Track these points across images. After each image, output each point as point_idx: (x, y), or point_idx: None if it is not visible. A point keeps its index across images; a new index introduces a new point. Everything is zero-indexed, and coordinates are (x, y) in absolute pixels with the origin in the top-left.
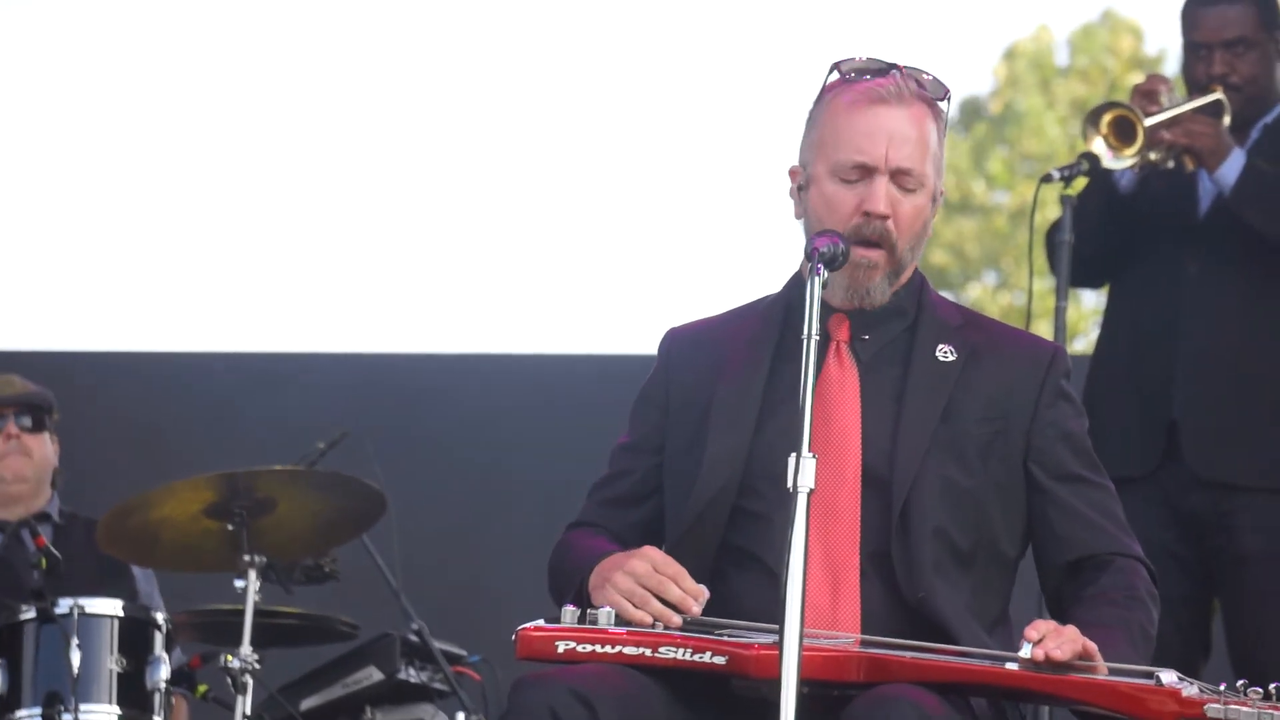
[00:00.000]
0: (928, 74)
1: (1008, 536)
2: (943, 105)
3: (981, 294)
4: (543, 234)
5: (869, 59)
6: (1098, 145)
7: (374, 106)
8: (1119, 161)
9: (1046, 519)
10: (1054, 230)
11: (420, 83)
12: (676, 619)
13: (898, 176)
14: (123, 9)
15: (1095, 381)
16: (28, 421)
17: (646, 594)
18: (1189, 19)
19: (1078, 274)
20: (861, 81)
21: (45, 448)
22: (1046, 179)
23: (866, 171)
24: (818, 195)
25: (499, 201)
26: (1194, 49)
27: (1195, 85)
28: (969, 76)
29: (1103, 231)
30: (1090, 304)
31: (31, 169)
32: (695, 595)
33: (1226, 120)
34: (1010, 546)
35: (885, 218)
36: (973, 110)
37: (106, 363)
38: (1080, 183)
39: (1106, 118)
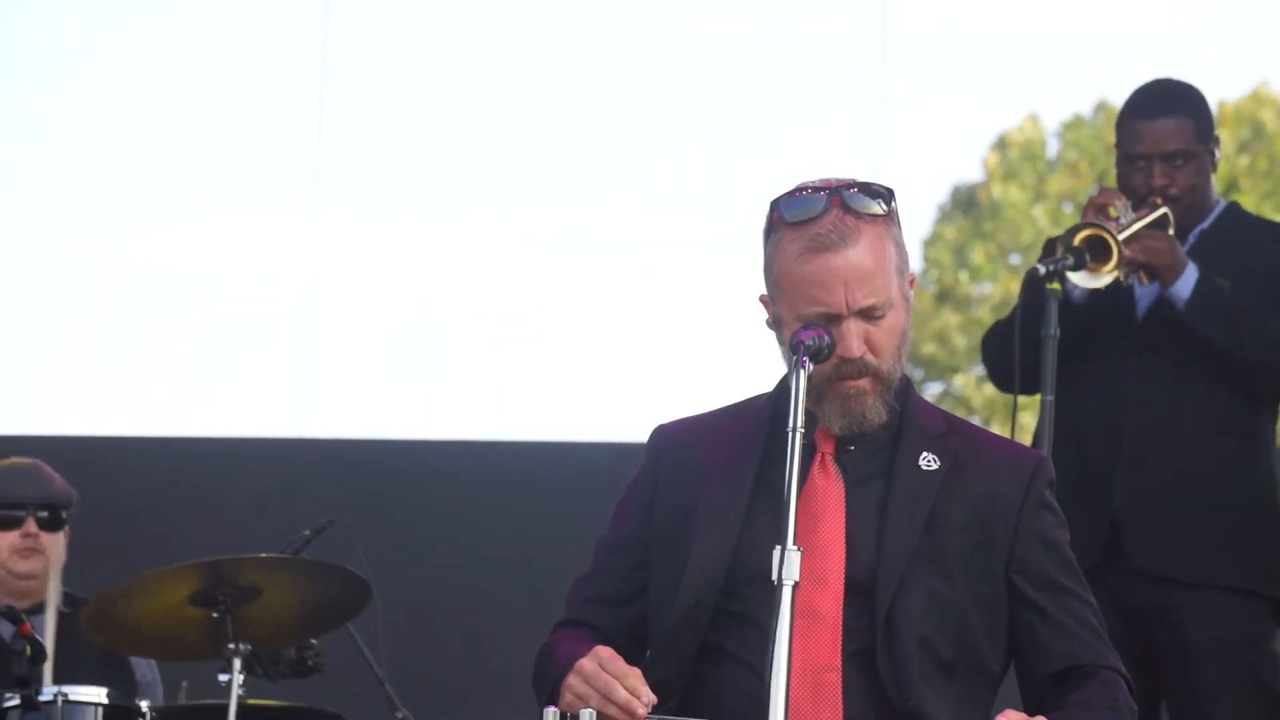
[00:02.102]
0: (865, 188)
1: (991, 650)
2: (893, 208)
3: (967, 384)
4: (528, 321)
5: (803, 193)
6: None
7: (360, 182)
8: (1097, 281)
9: (1030, 629)
10: (1024, 326)
11: (412, 166)
12: (641, 710)
13: (863, 313)
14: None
15: None
16: (46, 518)
17: (599, 698)
18: (1127, 131)
19: (1023, 381)
20: (804, 226)
21: (59, 545)
22: (1033, 274)
23: (831, 318)
24: (790, 337)
25: (484, 288)
26: (1132, 160)
27: (1133, 195)
28: (961, 163)
29: (1032, 328)
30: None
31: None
32: (639, 697)
33: (1170, 232)
34: (994, 660)
35: (860, 358)
36: (966, 198)
37: (92, 446)
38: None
39: (1079, 237)
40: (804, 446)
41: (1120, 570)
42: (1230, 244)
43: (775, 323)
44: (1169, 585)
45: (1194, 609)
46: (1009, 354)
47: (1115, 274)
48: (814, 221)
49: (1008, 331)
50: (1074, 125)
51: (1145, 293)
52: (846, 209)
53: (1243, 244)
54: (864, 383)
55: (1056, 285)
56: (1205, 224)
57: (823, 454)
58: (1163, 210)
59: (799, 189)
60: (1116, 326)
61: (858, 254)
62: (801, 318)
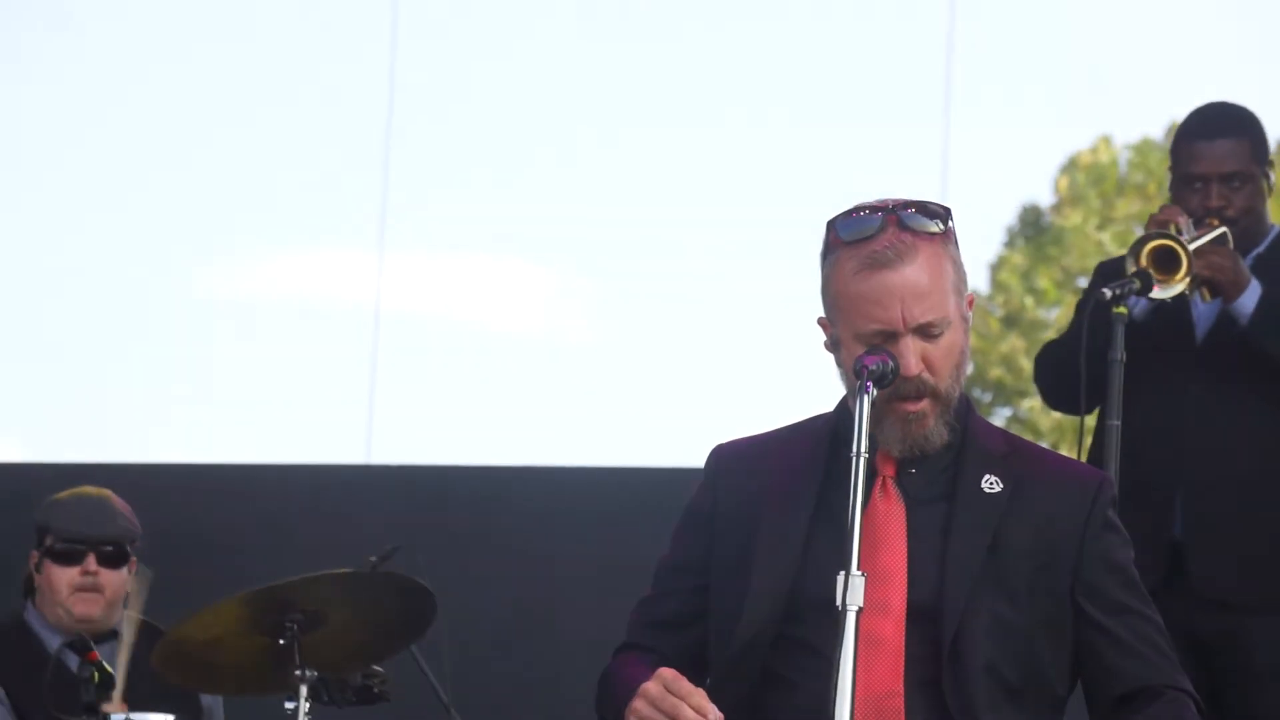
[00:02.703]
0: (921, 207)
1: (1056, 674)
2: (950, 227)
3: (1034, 408)
4: (591, 347)
5: (860, 213)
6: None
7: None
8: (1167, 290)
9: (1096, 652)
10: (1089, 350)
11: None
12: None
13: (921, 330)
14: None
15: None
16: (109, 553)
17: (663, 719)
18: (1184, 152)
19: (1073, 401)
20: (861, 244)
21: (120, 580)
22: (1099, 298)
23: (888, 336)
24: (849, 359)
25: (546, 315)
26: (1189, 181)
27: (1190, 217)
28: (1030, 185)
29: (1098, 353)
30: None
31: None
32: (705, 714)
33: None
34: (1060, 685)
35: (919, 375)
36: (1033, 221)
37: (162, 474)
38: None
39: (1147, 249)
40: (866, 464)
41: (1182, 595)
42: None
43: (833, 344)
44: (1233, 611)
45: (1260, 634)
46: (1065, 373)
47: (1186, 282)
48: (870, 240)
49: (1063, 350)
50: (1142, 148)
51: (1204, 315)
52: (903, 227)
53: None
54: (924, 405)
55: (1124, 309)
56: (1261, 248)
57: (884, 477)
58: (1222, 229)
59: (856, 209)
60: (1176, 348)
61: (914, 271)
62: (859, 336)
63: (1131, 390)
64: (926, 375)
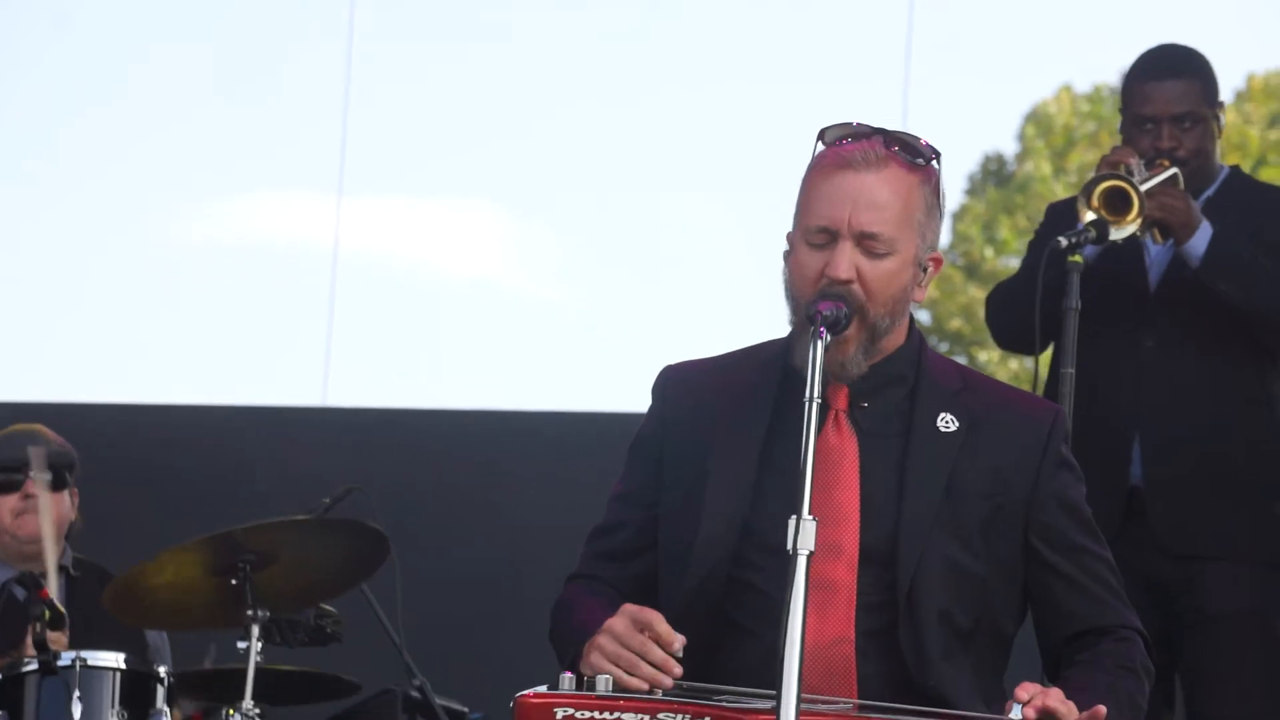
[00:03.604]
0: (914, 138)
1: (1007, 614)
2: (933, 167)
3: (992, 358)
4: (548, 293)
5: (854, 124)
6: (1089, 217)
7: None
8: (1121, 231)
9: (1049, 592)
10: (1045, 299)
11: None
12: (667, 681)
13: (864, 241)
14: None
15: None
16: (48, 479)
17: (634, 658)
18: (1135, 93)
19: (1023, 341)
20: (839, 147)
21: (63, 505)
22: (1055, 245)
23: (830, 236)
24: (793, 261)
25: (502, 261)
26: (1139, 122)
27: (1141, 158)
28: (992, 135)
29: (1049, 301)
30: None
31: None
32: (669, 642)
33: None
34: (1009, 624)
35: (847, 282)
36: (996, 169)
37: (114, 414)
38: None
39: (1099, 190)
40: (818, 408)
41: (1139, 541)
42: (1236, 209)
43: (786, 255)
44: (1190, 558)
45: (1213, 580)
46: (1012, 317)
47: (1138, 223)
48: (849, 145)
49: (1013, 293)
50: (1095, 98)
51: (1158, 259)
52: (885, 144)
53: (1249, 209)
54: (850, 331)
55: (1078, 258)
56: (1211, 190)
57: (836, 411)
58: (1173, 170)
59: (851, 121)
60: (1130, 293)
61: (876, 181)
62: (805, 233)
63: (1086, 334)
64: (857, 288)
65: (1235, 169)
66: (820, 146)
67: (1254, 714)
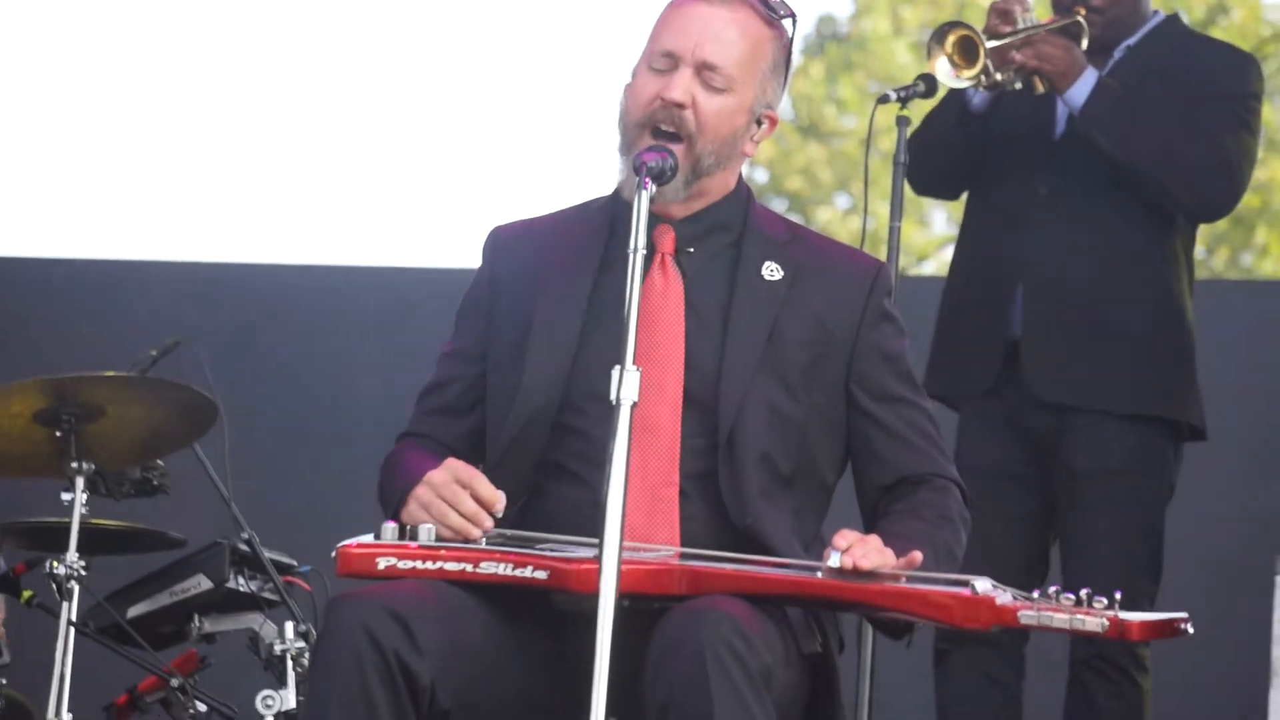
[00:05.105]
0: None
1: (827, 462)
2: (785, 25)
3: (832, 218)
4: (384, 145)
5: None
6: (941, 65)
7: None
8: (957, 82)
9: (867, 441)
10: (926, 152)
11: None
12: (475, 532)
13: (703, 72)
14: None
15: (946, 299)
16: None
17: (445, 507)
18: None
19: (932, 185)
20: None
21: None
22: (883, 100)
23: (673, 61)
24: (631, 86)
25: (340, 112)
26: None
27: (1059, 7)
28: None
29: (955, 146)
30: (940, 230)
31: None
32: (491, 502)
33: (1085, 43)
34: (830, 471)
35: (681, 106)
36: (829, 30)
37: None
38: (923, 105)
39: (951, 38)
40: (644, 255)
41: (1018, 395)
42: (1163, 57)
43: (626, 88)
44: (1065, 411)
45: (1087, 436)
46: (943, 147)
47: (976, 77)
48: None
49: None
50: None
51: (1065, 113)
52: None
53: (1177, 58)
54: (677, 150)
55: (906, 111)
56: (1134, 39)
57: (662, 254)
58: (1074, 19)
59: None
60: (1034, 141)
61: (725, 16)
62: (649, 59)
63: (985, 182)
64: (690, 114)
65: (1172, 17)
66: None
67: (1121, 574)
